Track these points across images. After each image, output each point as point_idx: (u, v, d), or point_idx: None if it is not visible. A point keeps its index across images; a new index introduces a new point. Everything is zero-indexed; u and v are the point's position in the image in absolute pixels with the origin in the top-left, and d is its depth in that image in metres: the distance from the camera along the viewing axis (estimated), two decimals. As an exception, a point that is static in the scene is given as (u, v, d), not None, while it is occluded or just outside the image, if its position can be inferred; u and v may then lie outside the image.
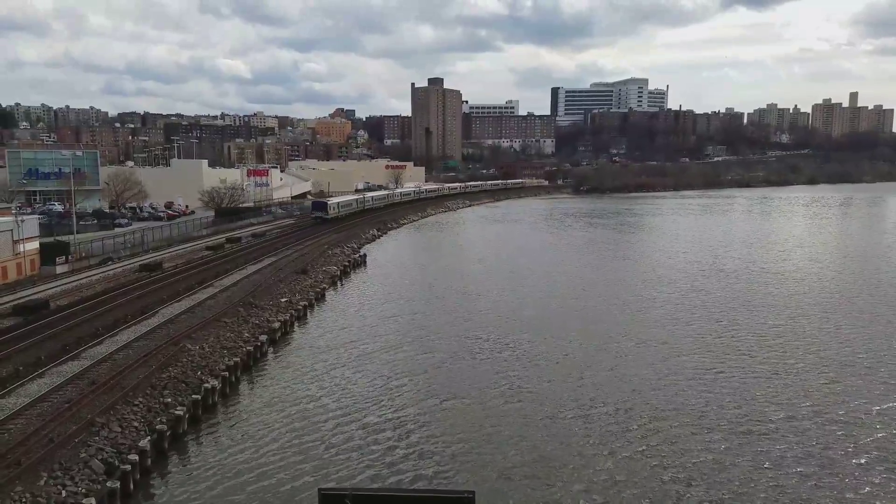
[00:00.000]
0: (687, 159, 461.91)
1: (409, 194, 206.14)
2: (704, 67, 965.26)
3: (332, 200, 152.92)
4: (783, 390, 44.16)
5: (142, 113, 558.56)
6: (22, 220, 74.25)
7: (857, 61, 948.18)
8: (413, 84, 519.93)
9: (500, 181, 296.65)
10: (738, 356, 51.47)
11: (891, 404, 41.54)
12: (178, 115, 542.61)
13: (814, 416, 39.65)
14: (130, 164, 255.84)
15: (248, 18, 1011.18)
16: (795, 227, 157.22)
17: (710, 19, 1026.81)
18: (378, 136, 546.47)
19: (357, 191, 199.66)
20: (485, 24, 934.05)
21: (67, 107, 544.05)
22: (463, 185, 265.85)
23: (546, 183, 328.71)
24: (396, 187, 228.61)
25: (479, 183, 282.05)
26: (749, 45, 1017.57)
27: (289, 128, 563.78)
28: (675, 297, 74.02)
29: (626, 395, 43.58)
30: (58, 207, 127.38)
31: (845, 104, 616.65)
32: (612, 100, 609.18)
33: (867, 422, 38.87)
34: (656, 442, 36.35)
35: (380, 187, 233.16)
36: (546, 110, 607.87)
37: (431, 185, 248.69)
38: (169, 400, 38.73)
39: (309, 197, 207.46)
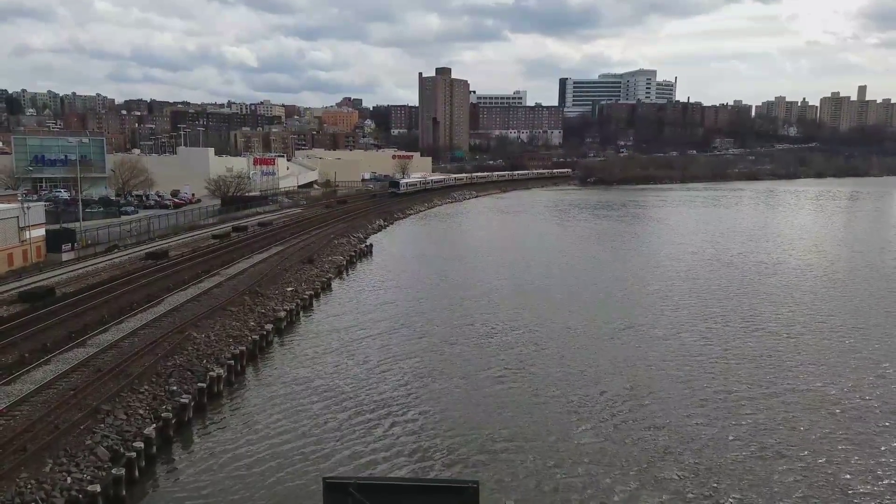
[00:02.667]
0: (694, 151, 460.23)
1: (462, 179, 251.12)
2: (711, 59, 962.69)
3: (403, 180, 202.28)
4: (774, 371, 45.44)
5: (148, 100, 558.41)
6: (28, 207, 74.31)
7: (863, 54, 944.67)
8: (420, 74, 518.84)
9: (545, 170, 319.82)
10: (738, 345, 51.64)
11: (871, 384, 42.48)
12: (185, 103, 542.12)
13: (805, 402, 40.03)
14: (137, 151, 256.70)
15: (254, 6, 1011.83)
16: (801, 220, 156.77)
17: (717, 11, 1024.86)
18: (385, 125, 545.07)
19: (422, 175, 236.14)
20: (491, 13, 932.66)
21: (74, 93, 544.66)
22: (510, 174, 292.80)
23: (556, 173, 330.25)
24: (404, 177, 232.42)
25: (525, 171, 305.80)
26: (755, 37, 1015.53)
27: (295, 117, 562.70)
28: (677, 286, 74.07)
29: (628, 381, 44.00)
30: (64, 194, 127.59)
31: (853, 98, 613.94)
32: (620, 91, 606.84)
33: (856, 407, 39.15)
34: (659, 425, 36.79)
35: (386, 177, 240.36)
36: (554, 101, 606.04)
37: (481, 174, 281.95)
38: (174, 388, 38.78)
39: (314, 185, 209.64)
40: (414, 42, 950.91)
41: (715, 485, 30.80)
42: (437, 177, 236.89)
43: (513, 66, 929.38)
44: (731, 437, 35.69)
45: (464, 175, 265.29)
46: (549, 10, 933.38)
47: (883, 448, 34.79)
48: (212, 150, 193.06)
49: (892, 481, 31.53)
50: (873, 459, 33.54)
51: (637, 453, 33.97)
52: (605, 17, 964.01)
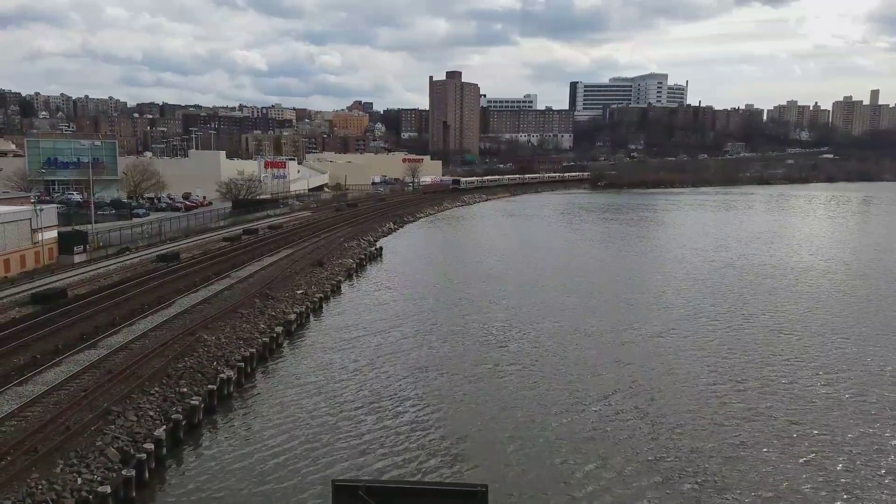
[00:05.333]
0: (705, 155, 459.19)
1: (515, 178, 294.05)
2: (719, 62, 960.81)
3: (463, 179, 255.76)
4: (782, 369, 45.04)
5: (160, 104, 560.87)
6: (40, 210, 74.72)
7: (873, 58, 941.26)
8: (431, 77, 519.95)
9: (579, 172, 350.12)
10: (747, 358, 51.47)
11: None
12: (197, 107, 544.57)
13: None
14: (149, 154, 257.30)
15: (262, 11, 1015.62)
16: (813, 225, 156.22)
17: (725, 14, 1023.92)
18: (395, 129, 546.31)
19: (476, 175, 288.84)
20: (498, 17, 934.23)
21: (86, 97, 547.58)
22: (560, 175, 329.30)
23: (566, 177, 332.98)
24: (414, 180, 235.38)
25: (574, 174, 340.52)
26: (764, 40, 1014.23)
27: (306, 120, 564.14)
28: (687, 288, 74.00)
29: (638, 382, 43.88)
30: (76, 197, 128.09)
31: (866, 102, 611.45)
32: (630, 95, 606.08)
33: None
34: (669, 426, 36.73)
35: (396, 180, 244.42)
36: (564, 105, 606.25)
37: (532, 175, 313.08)
38: (185, 389, 38.85)
39: (325, 188, 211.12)
40: (422, 46, 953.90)
41: (725, 486, 30.71)
42: (491, 177, 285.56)
43: (521, 70, 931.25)
44: (745, 444, 35.49)
45: (517, 175, 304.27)
46: (556, 15, 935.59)
47: (876, 445, 35.47)
48: (223, 154, 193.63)
49: (882, 473, 32.33)
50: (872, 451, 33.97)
51: (648, 454, 33.99)
52: (612, 20, 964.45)
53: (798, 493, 30.65)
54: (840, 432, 36.94)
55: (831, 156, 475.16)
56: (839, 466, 33.03)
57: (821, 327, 59.66)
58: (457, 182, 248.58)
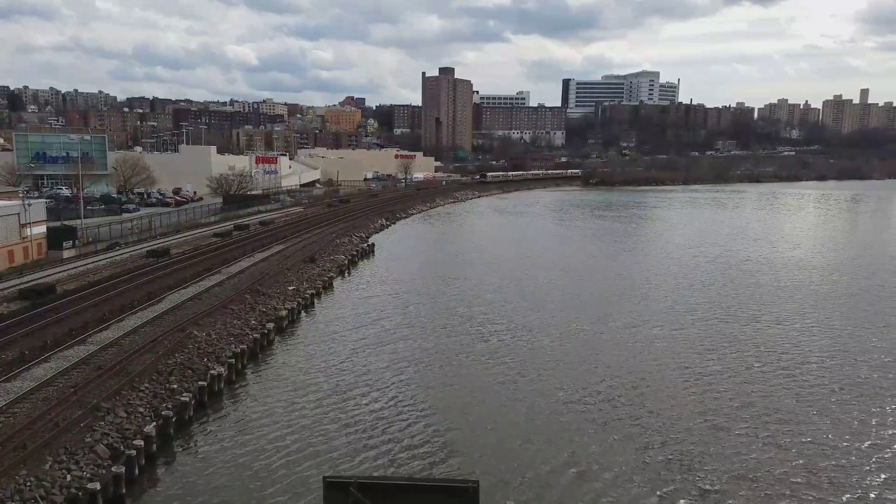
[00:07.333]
0: (697, 153, 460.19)
1: (539, 174, 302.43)
2: (712, 61, 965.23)
3: (490, 174, 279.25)
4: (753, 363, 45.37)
5: (150, 98, 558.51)
6: (29, 204, 74.24)
7: (863, 58, 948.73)
8: (424, 73, 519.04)
9: (578, 169, 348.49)
10: (736, 353, 51.63)
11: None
12: (188, 101, 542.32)
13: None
14: (139, 149, 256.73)
15: (255, 6, 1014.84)
16: (801, 222, 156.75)
17: (716, 13, 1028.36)
18: (388, 125, 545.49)
19: (503, 171, 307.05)
20: (491, 15, 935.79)
21: (76, 91, 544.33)
22: (564, 172, 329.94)
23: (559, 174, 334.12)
24: (406, 177, 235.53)
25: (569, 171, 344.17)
26: (755, 40, 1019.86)
27: (298, 115, 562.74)
28: (675, 284, 74.37)
29: (628, 379, 44.18)
30: (65, 192, 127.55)
31: (855, 101, 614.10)
32: (623, 92, 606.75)
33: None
34: (659, 423, 37.22)
35: (389, 177, 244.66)
36: (557, 102, 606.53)
37: (555, 171, 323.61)
38: (175, 386, 38.69)
39: (317, 184, 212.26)
40: (415, 43, 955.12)
41: (713, 483, 30.75)
42: (515, 172, 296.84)
43: (515, 68, 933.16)
44: (729, 439, 35.65)
45: (540, 172, 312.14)
46: (550, 13, 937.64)
47: (845, 427, 37.03)
48: (214, 149, 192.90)
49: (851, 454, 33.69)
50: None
51: (638, 451, 34.12)
52: (605, 19, 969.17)
53: (771, 473, 31.87)
54: (812, 416, 38.69)
55: (793, 153, 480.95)
56: (810, 449, 34.50)
57: (800, 318, 61.52)
58: (483, 176, 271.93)
